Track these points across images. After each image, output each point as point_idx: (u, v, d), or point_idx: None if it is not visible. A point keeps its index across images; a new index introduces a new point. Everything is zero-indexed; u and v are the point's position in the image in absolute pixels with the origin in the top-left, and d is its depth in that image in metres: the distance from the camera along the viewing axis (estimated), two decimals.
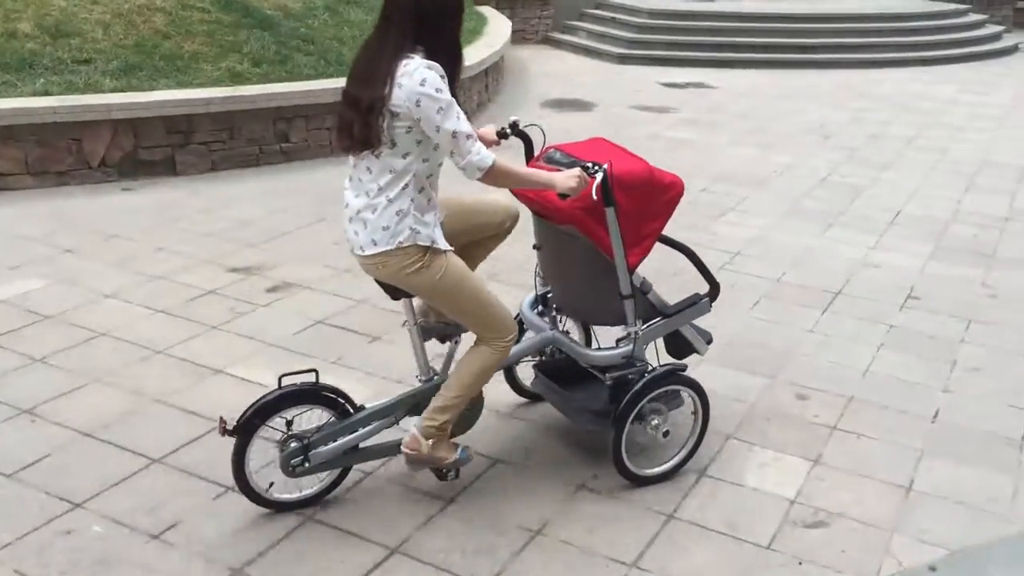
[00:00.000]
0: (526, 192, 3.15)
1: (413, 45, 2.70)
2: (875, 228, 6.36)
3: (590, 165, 2.92)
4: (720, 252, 5.74)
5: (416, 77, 2.64)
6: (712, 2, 14.21)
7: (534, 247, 3.40)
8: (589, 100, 10.02)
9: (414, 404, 3.14)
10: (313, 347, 4.27)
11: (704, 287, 3.47)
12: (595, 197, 2.88)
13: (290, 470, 2.97)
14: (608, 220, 2.96)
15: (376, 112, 2.66)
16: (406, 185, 2.77)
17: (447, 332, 3.21)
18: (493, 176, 2.75)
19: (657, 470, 3.37)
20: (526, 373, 3.77)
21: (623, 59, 12.38)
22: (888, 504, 3.32)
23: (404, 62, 2.67)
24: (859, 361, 4.40)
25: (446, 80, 2.71)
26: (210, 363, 4.07)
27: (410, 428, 3.05)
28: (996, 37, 15.73)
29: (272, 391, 2.96)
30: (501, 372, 3.52)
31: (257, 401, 2.94)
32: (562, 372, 3.51)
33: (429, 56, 2.71)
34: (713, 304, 3.45)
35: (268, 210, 6.15)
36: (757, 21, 13.17)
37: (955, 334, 4.75)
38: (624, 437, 3.22)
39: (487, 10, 12.34)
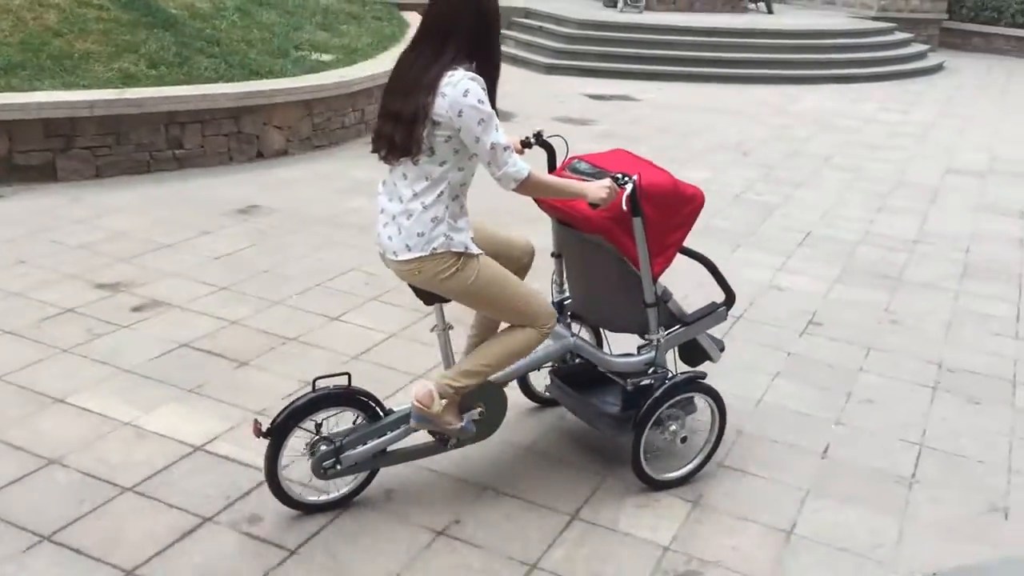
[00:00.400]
0: (551, 201, 3.21)
1: (458, 58, 2.78)
2: (784, 249, 6.24)
3: (620, 176, 2.99)
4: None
5: (460, 88, 2.73)
6: (640, 14, 14.14)
7: (552, 255, 3.51)
8: (510, 110, 9.81)
9: None
10: (172, 373, 3.95)
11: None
12: (625, 207, 2.96)
13: (322, 472, 3.00)
14: (635, 230, 3.05)
15: (419, 120, 2.75)
16: (441, 192, 2.85)
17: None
18: (528, 187, 2.86)
19: (674, 475, 3.45)
20: (537, 378, 3.73)
21: (550, 69, 12.21)
22: (767, 551, 3.14)
23: (449, 73, 2.75)
24: (753, 391, 4.24)
25: (487, 92, 2.80)
26: (52, 391, 3.74)
27: (427, 384, 3.04)
28: (921, 56, 15.95)
29: (307, 393, 3.00)
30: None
31: (292, 403, 2.98)
32: (577, 377, 3.56)
33: (479, 67, 2.82)
34: (729, 312, 3.54)
35: (151, 221, 5.79)
36: (685, 34, 13.12)
37: (854, 362, 4.63)
38: (643, 442, 3.29)
39: (411, 15, 12.06)
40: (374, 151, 2.94)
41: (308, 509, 3.11)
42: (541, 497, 3.32)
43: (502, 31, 13.01)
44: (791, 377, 4.41)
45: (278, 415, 2.97)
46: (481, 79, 2.79)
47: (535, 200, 3.23)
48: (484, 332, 3.25)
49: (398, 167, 2.89)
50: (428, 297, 3.03)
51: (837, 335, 4.92)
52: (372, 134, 2.95)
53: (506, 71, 10.03)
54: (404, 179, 2.88)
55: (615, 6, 14.38)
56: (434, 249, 2.85)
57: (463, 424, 3.14)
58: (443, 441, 3.18)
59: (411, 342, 4.43)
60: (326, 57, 8.48)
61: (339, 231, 5.86)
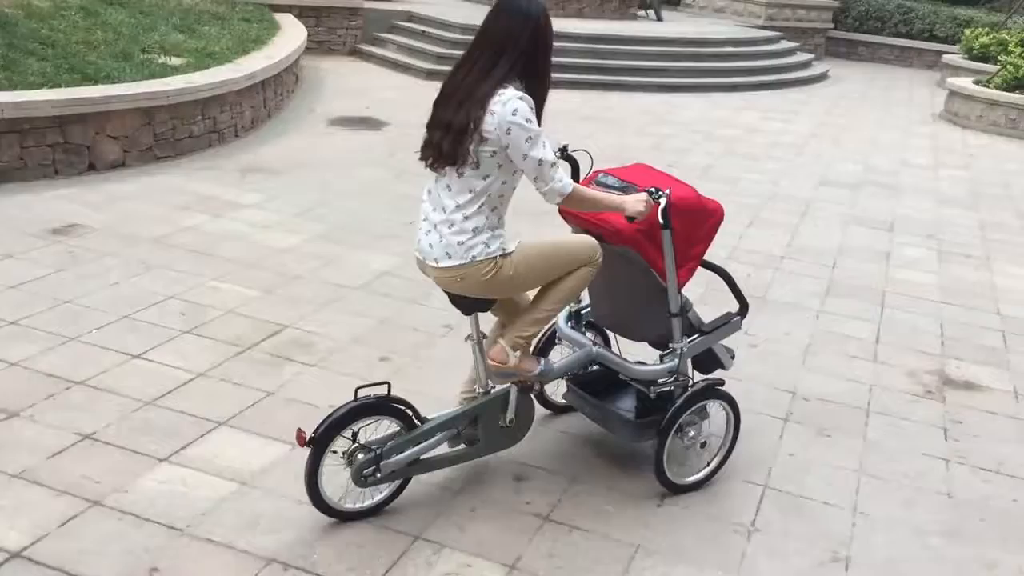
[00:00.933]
0: (580, 214, 3.29)
1: (509, 76, 2.88)
2: None
3: (654, 190, 3.10)
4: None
5: (508, 107, 2.84)
6: None
7: None
8: (382, 119, 9.39)
9: (474, 416, 3.27)
10: None
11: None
12: (661, 220, 3.09)
13: (361, 480, 3.06)
14: (664, 243, 3.17)
15: (467, 133, 2.85)
16: (483, 204, 2.96)
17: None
18: (572, 200, 2.99)
19: (692, 479, 3.55)
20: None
21: (431, 75, 11.81)
22: None
23: (500, 91, 2.86)
24: (593, 429, 3.93)
25: (534, 111, 2.90)
26: None
27: (498, 342, 3.19)
28: (806, 64, 16.12)
29: (349, 402, 3.04)
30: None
31: (334, 412, 3.02)
32: (593, 384, 3.62)
33: (526, 86, 2.91)
34: (743, 320, 3.67)
35: None
36: (570, 40, 12.89)
37: None
38: (667, 448, 3.39)
39: (286, 18, 11.54)
40: (421, 159, 3.05)
41: (344, 517, 3.15)
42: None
43: (385, 35, 12.64)
44: None
45: (320, 424, 3.01)
46: (530, 98, 2.90)
47: (560, 212, 3.37)
48: (508, 313, 3.32)
49: (443, 178, 3.01)
50: (468, 307, 3.15)
51: None
52: (422, 142, 3.05)
53: (386, 77, 9.64)
54: (448, 190, 3.01)
55: None
56: (473, 257, 2.97)
57: (541, 367, 3.30)
58: (529, 387, 3.35)
59: (220, 383, 3.98)
60: (176, 61, 7.92)
61: (165, 253, 5.35)
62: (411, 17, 13.20)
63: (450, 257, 2.99)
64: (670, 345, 3.42)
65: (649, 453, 3.50)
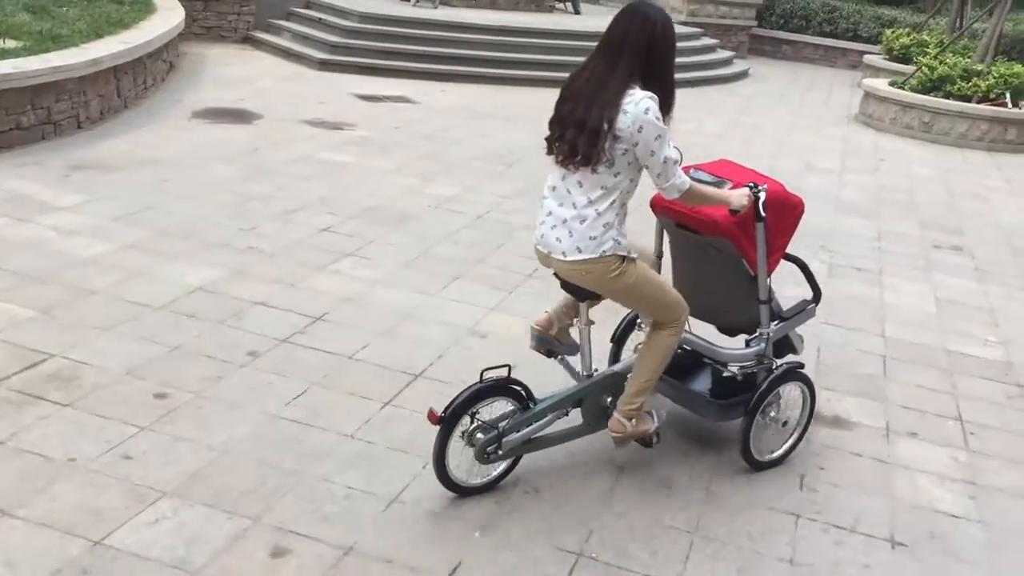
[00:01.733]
0: (676, 207, 3.43)
1: (633, 77, 3.00)
2: (510, 282, 5.45)
3: (753, 185, 3.34)
4: (300, 317, 4.60)
5: (641, 106, 2.97)
6: (435, 8, 13.26)
7: (655, 256, 3.73)
8: (255, 111, 8.71)
9: (581, 398, 3.48)
10: None
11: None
12: (763, 213, 3.33)
13: (484, 456, 3.22)
14: (758, 234, 3.40)
15: (602, 132, 2.96)
16: (613, 201, 3.09)
17: (556, 350, 3.68)
18: (688, 196, 3.15)
19: (771, 456, 3.80)
20: None
21: (324, 65, 11.14)
22: None
23: (629, 92, 2.98)
24: (390, 486, 3.37)
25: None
26: None
27: (614, 416, 3.42)
28: (726, 62, 15.77)
29: (475, 383, 3.21)
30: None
31: (461, 393, 3.19)
32: (672, 367, 3.63)
33: (646, 87, 3.01)
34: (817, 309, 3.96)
35: None
36: (479, 32, 12.32)
37: None
38: (753, 427, 3.63)
39: (168, 0, 10.75)
40: (549, 153, 3.21)
41: (465, 492, 3.32)
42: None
43: (280, 22, 11.91)
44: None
45: (450, 403, 3.17)
46: (657, 98, 3.02)
47: (652, 205, 3.58)
48: (566, 316, 3.64)
49: (573, 175, 3.11)
50: (582, 294, 3.33)
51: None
52: (546, 139, 3.20)
53: (276, 66, 8.87)
54: (579, 187, 3.11)
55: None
56: (603, 252, 3.10)
57: (656, 423, 3.54)
58: (648, 443, 3.59)
59: None
60: (11, 44, 7.14)
61: None
62: (309, 4, 12.49)
63: (580, 251, 3.12)
64: (758, 330, 3.65)
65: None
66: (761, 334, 3.64)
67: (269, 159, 7.23)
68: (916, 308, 5.90)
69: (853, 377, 4.81)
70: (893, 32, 16.15)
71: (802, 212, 3.64)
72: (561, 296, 3.54)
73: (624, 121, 2.98)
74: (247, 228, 5.71)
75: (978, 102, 11.78)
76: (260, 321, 4.48)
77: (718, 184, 3.41)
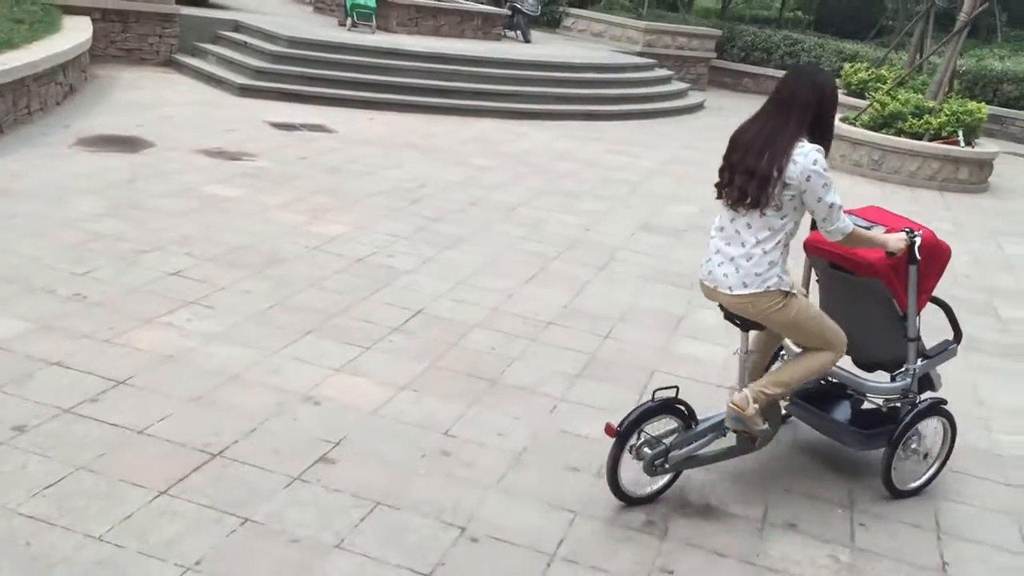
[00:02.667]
0: (831, 248, 3.70)
1: (801, 131, 3.37)
2: (369, 336, 4.88)
3: (909, 231, 3.67)
4: (98, 381, 4.00)
5: (810, 157, 3.34)
6: (373, 34, 12.77)
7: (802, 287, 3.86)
8: (148, 139, 8.13)
9: None
10: None
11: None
12: (919, 257, 3.66)
13: (652, 468, 3.55)
14: (910, 276, 3.71)
15: (772, 180, 3.32)
16: (779, 241, 3.44)
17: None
18: (850, 239, 3.48)
19: (912, 485, 4.01)
20: None
21: (245, 91, 10.60)
22: None
23: (799, 144, 3.35)
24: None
25: None
26: None
27: (744, 391, 3.64)
28: (680, 94, 15.35)
29: (647, 402, 3.58)
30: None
31: (635, 411, 3.54)
32: (814, 397, 4.06)
33: (811, 140, 3.38)
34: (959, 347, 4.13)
35: None
36: (412, 59, 11.82)
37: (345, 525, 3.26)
38: (895, 458, 3.87)
39: (79, 21, 10.21)
40: (718, 198, 3.53)
41: (632, 502, 3.61)
42: None
43: (206, 46, 11.37)
44: (215, 566, 2.97)
45: (625, 418, 3.49)
46: (823, 149, 3.37)
47: (806, 246, 3.86)
48: (762, 355, 3.92)
49: (742, 217, 3.44)
50: (746, 325, 3.60)
51: (354, 480, 3.54)
52: (716, 184, 3.53)
53: (192, 91, 8.22)
54: (748, 228, 3.44)
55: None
56: (768, 287, 3.41)
57: (765, 427, 3.71)
58: (752, 440, 3.75)
59: None
60: None
61: None
62: (238, 27, 11.96)
63: (746, 286, 3.45)
64: (904, 366, 3.89)
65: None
66: (907, 369, 3.88)
67: (143, 192, 6.65)
68: None
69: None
70: (851, 67, 15.79)
71: (949, 258, 3.91)
72: (746, 375, 3.79)
73: (794, 170, 3.33)
74: (81, 272, 5.12)
75: (930, 140, 11.36)
76: (47, 386, 3.89)
77: (870, 229, 3.70)
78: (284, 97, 10.67)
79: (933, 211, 9.97)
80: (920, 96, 11.95)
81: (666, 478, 3.70)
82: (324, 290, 5.42)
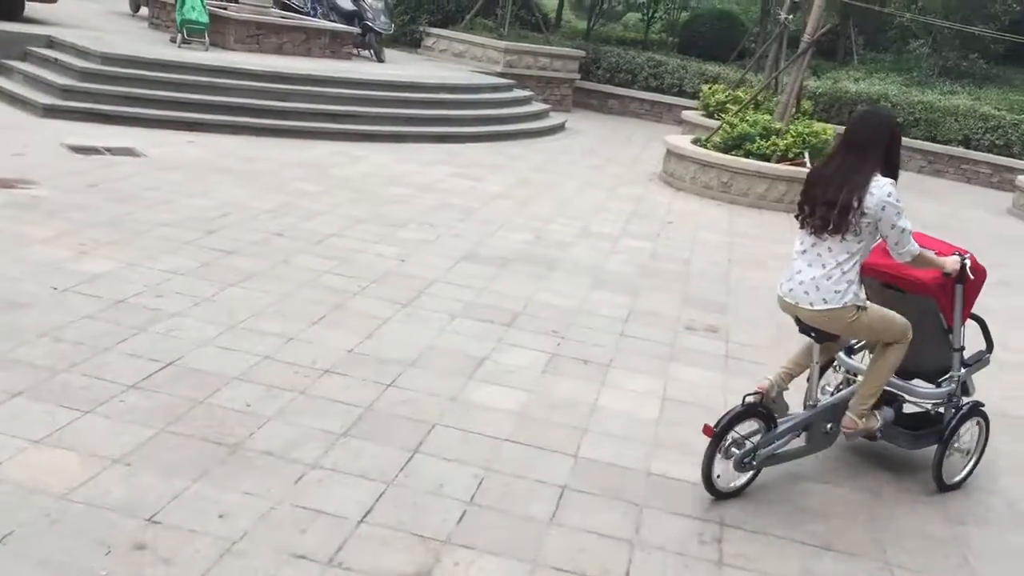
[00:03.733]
0: (885, 269, 4.28)
1: (875, 167, 3.93)
2: (93, 398, 4.16)
3: (959, 255, 4.24)
4: None
5: (884, 190, 3.90)
6: (206, 51, 11.97)
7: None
8: None
9: (809, 424, 4.30)
10: None
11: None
12: (972, 276, 4.27)
13: (741, 465, 4.07)
14: (957, 293, 4.31)
15: (852, 210, 3.85)
16: (855, 263, 3.98)
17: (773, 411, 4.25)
18: (918, 260, 4.03)
19: (957, 479, 4.62)
20: None
21: (50, 111, 9.66)
22: None
23: (874, 178, 3.90)
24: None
25: None
26: None
27: (848, 415, 4.28)
28: (540, 115, 15.01)
29: (738, 406, 4.09)
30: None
31: (728, 414, 4.06)
32: None
33: (883, 174, 3.95)
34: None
35: None
36: (243, 78, 11.07)
37: None
38: (945, 456, 4.48)
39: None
40: (802, 227, 4.10)
41: (720, 496, 4.10)
42: None
43: (13, 63, 10.34)
44: None
45: (720, 420, 4.02)
46: (894, 182, 3.97)
47: (867, 264, 4.17)
48: (798, 367, 4.39)
49: (824, 242, 3.99)
50: (821, 337, 4.16)
51: None
52: (796, 216, 4.15)
53: None
54: (829, 252, 3.99)
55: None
56: (845, 303, 3.97)
57: (880, 422, 4.40)
58: (873, 438, 4.51)
59: None
60: None
61: None
62: (51, 43, 10.99)
63: (826, 302, 3.99)
64: (949, 373, 4.45)
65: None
66: (952, 376, 4.46)
67: None
68: (631, 414, 4.90)
69: (508, 524, 3.71)
70: (710, 88, 15.77)
71: (986, 278, 4.44)
72: (780, 369, 4.34)
73: (871, 201, 3.87)
74: None
75: (777, 161, 11.25)
76: None
77: None
78: (94, 118, 9.77)
79: (778, 233, 9.77)
80: (768, 117, 11.86)
81: (749, 474, 4.18)
82: (59, 340, 4.67)
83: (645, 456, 4.46)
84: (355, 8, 15.06)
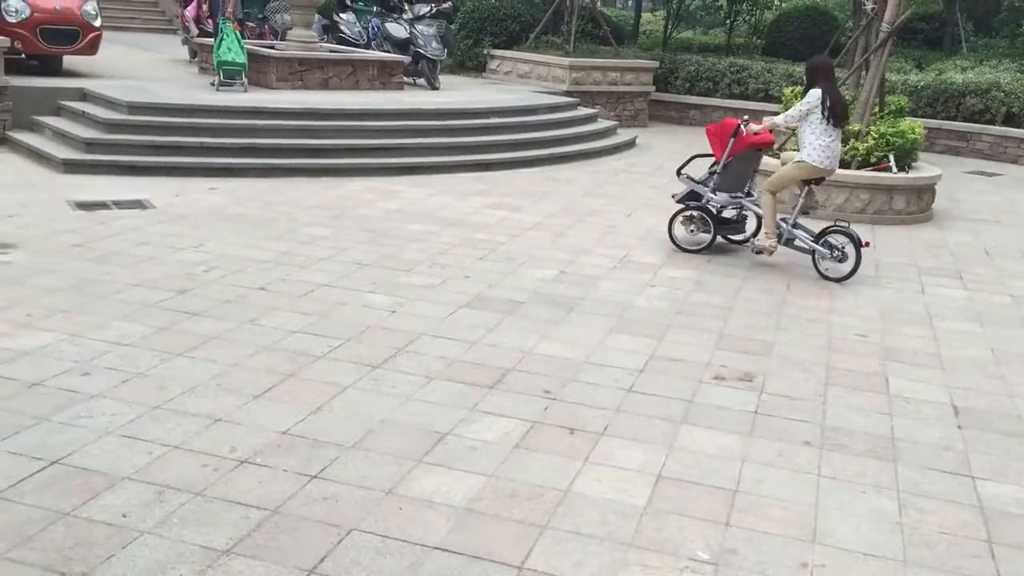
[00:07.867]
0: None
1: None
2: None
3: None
4: None
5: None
6: (244, 92, 11.59)
7: None
8: None
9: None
10: None
11: None
12: (743, 131, 7.24)
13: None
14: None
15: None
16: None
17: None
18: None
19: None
20: None
21: (71, 167, 9.39)
22: None
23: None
24: None
25: None
26: None
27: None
28: (606, 133, 14.04)
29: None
30: None
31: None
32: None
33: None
34: None
35: None
36: (278, 118, 10.61)
37: None
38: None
39: None
40: (836, 126, 7.55)
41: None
42: None
43: (44, 119, 10.11)
44: None
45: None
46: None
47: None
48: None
49: (838, 130, 7.10)
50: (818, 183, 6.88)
51: None
52: (829, 117, 7.37)
53: (7, 171, 6.80)
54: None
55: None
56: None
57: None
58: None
59: None
60: None
61: None
62: (85, 96, 10.81)
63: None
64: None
65: None
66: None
67: None
68: (611, 502, 3.92)
69: None
70: (792, 91, 14.43)
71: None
72: None
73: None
74: None
75: (858, 167, 9.96)
76: None
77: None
78: (117, 170, 9.45)
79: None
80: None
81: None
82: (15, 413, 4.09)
83: (612, 566, 3.49)
84: (407, 36, 14.53)
